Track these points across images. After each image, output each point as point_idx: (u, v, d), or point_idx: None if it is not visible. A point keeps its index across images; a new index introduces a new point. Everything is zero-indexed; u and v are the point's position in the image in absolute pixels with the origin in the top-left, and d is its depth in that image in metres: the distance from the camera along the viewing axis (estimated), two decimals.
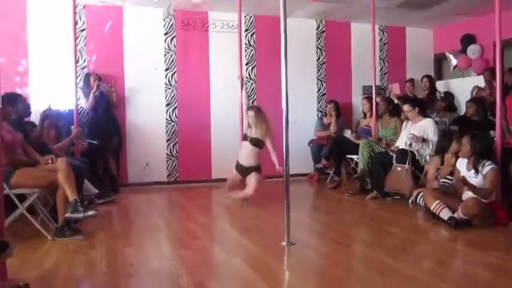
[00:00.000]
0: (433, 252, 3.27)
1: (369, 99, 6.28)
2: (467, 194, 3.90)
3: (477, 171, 3.92)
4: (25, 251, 3.18)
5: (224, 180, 6.39)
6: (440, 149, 4.60)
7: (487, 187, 3.87)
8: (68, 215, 3.51)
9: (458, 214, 3.80)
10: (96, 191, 4.82)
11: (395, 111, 5.76)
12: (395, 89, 7.08)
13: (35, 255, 3.16)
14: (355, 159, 5.93)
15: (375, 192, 5.22)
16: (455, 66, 7.08)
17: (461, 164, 4.11)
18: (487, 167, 3.89)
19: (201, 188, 6.31)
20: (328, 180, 6.28)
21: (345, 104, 7.27)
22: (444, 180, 4.40)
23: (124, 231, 3.94)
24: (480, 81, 6.40)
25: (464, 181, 3.81)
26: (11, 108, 3.94)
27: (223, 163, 6.45)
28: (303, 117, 6.90)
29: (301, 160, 6.64)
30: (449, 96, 6.48)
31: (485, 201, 3.81)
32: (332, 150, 6.18)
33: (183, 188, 6.25)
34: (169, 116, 6.49)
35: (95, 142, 5.48)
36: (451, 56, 7.13)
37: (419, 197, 4.55)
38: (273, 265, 2.97)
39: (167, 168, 6.49)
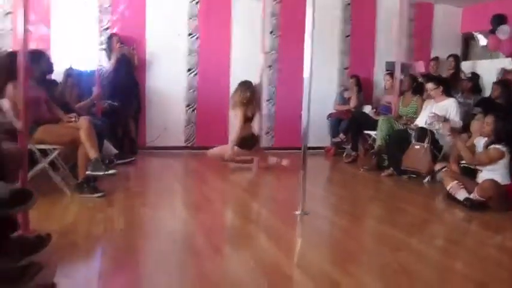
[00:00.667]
0: (446, 231, 3.28)
1: (392, 75, 6.18)
2: (483, 176, 3.87)
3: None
4: (45, 206, 3.26)
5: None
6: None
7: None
8: (89, 172, 3.58)
9: (475, 195, 3.79)
10: (116, 151, 4.88)
11: (418, 89, 5.67)
12: (419, 67, 6.95)
13: (55, 210, 3.24)
14: (373, 135, 5.88)
15: (391, 169, 5.20)
16: (483, 47, 6.91)
17: (479, 142, 4.07)
18: (495, 146, 3.82)
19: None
20: (344, 155, 6.27)
21: (367, 80, 7.16)
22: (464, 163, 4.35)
23: (141, 191, 4.01)
24: (508, 63, 6.24)
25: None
26: (35, 65, 3.98)
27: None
28: (323, 89, 6.82)
29: (318, 133, 6.62)
30: (475, 77, 6.35)
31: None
32: (351, 124, 6.14)
33: (200, 154, 6.31)
34: (190, 82, 6.49)
35: (115, 104, 5.53)
36: (480, 36, 6.94)
37: (439, 172, 4.51)
38: (286, 233, 3.01)
39: (185, 133, 6.53)
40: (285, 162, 5.13)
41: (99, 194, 3.63)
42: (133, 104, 6.02)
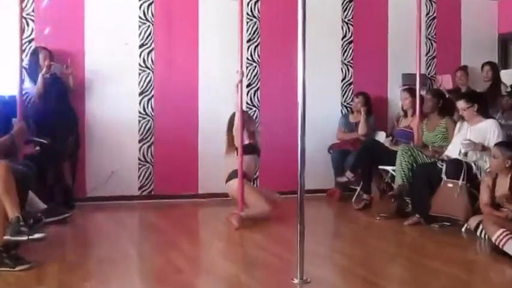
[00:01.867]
0: None
1: (411, 91, 6.28)
2: None
3: None
4: None
5: (215, 196, 6.47)
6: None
7: None
8: (7, 237, 3.51)
9: None
10: (45, 206, 4.82)
11: (446, 108, 5.76)
12: (446, 82, 7.08)
13: None
14: (391, 171, 5.92)
15: (417, 216, 5.22)
16: None
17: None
18: None
19: (184, 205, 6.32)
20: (354, 199, 6.27)
21: (379, 98, 7.26)
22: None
23: (82, 261, 3.94)
24: None
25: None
26: None
27: (214, 174, 6.45)
28: (322, 114, 6.85)
29: (318, 171, 6.62)
30: None
31: None
32: (360, 158, 6.16)
33: (161, 205, 6.25)
34: (144, 109, 6.50)
35: (44, 141, 5.48)
36: None
37: (479, 230, 4.58)
38: None
39: (139, 178, 6.48)
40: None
41: (23, 267, 3.56)
42: (69, 140, 5.98)
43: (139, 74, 6.48)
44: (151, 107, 6.51)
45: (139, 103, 6.48)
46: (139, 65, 6.48)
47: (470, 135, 5.08)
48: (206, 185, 6.59)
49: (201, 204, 6.39)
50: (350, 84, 7.26)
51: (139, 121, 6.49)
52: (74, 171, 6.12)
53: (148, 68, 6.51)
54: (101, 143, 6.33)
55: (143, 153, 6.50)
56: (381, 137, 6.70)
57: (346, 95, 7.25)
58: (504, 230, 3.99)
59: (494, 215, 4.35)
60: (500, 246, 3.98)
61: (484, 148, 4.98)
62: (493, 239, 4.03)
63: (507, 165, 4.48)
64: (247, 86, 6.73)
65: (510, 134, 5.75)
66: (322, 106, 6.94)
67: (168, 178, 6.51)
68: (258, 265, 3.97)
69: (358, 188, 6.31)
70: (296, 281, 3.36)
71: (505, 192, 4.43)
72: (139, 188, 6.50)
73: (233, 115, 5.37)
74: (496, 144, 4.71)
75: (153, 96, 6.51)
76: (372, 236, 5.00)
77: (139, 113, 6.49)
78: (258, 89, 6.85)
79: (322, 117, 6.90)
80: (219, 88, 6.48)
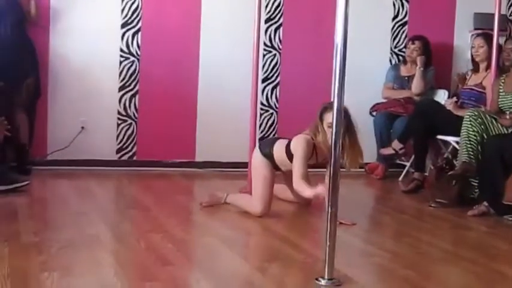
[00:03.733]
0: None
1: (486, 38, 6.21)
2: None
3: None
4: None
5: (216, 165, 6.49)
6: None
7: None
8: None
9: None
10: None
11: None
12: None
13: None
14: (454, 143, 5.91)
15: (485, 204, 5.20)
16: None
17: None
18: None
19: (175, 176, 6.35)
20: (401, 178, 6.28)
21: (441, 45, 7.25)
22: None
23: (41, 243, 3.95)
24: None
25: None
26: None
27: (216, 137, 6.46)
28: (364, 63, 6.87)
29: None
30: None
31: None
32: (413, 125, 6.18)
33: (145, 175, 6.28)
34: (127, 46, 6.48)
35: None
36: None
37: None
38: None
39: (118, 138, 6.52)
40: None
41: None
42: (26, 84, 5.99)
43: (122, 0, 6.46)
44: (138, 44, 6.51)
45: (122, 38, 6.48)
46: None
47: None
48: (206, 151, 6.64)
49: (198, 176, 6.41)
50: (404, 24, 7.26)
51: (121, 62, 6.50)
52: (32, 126, 6.14)
53: None
54: (69, 89, 6.36)
55: (124, 106, 6.53)
56: (442, 97, 6.70)
57: (397, 39, 7.26)
58: None
59: None
60: None
61: None
62: None
63: None
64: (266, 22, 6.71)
65: None
66: (364, 53, 6.95)
67: (156, 139, 6.55)
68: (273, 260, 3.96)
69: (408, 164, 6.31)
70: (322, 281, 3.34)
71: None
72: (118, 151, 6.54)
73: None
74: None
75: (140, 29, 6.50)
76: (423, 228, 5.00)
77: (121, 51, 6.50)
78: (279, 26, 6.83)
79: (364, 68, 6.92)
80: (227, 29, 6.48)
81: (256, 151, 5.06)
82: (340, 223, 4.23)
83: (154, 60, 6.54)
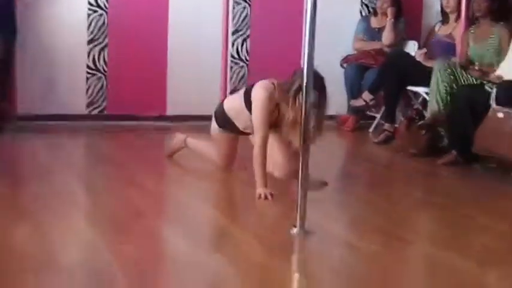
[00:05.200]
0: None
1: None
2: None
3: None
4: None
5: (189, 119, 6.48)
6: None
7: None
8: None
9: None
10: None
11: (503, 12, 5.71)
12: None
13: None
14: (424, 94, 5.97)
15: (455, 153, 5.27)
16: None
17: None
18: None
19: (147, 130, 6.36)
20: (372, 129, 6.33)
21: None
22: None
23: (12, 199, 3.94)
24: None
25: None
26: None
27: (187, 89, 6.44)
28: (333, 15, 6.82)
29: (327, 92, 6.64)
30: None
31: None
32: (383, 76, 6.21)
33: (115, 129, 6.28)
34: None
35: None
36: None
37: None
38: (274, 267, 3.02)
39: (88, 92, 6.48)
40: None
41: None
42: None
43: None
44: None
45: None
46: None
47: None
48: (177, 105, 6.63)
49: (170, 130, 6.38)
50: None
51: (89, 15, 6.43)
52: (6, 81, 6.05)
53: None
54: (36, 43, 6.28)
55: (93, 59, 6.48)
56: (412, 48, 6.71)
57: None
58: None
59: None
60: None
61: None
62: None
63: None
64: None
65: None
66: (335, 5, 6.87)
67: (126, 93, 6.51)
68: (247, 210, 4.02)
69: (379, 116, 6.35)
70: (295, 230, 3.38)
71: None
72: (88, 106, 6.51)
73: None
74: None
75: None
76: (395, 178, 5.07)
77: (89, 4, 6.42)
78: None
79: (334, 20, 6.86)
80: None
81: (213, 122, 4.65)
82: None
83: (123, 12, 6.46)
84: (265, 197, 3.99)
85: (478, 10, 5.73)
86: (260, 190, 4.03)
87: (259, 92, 4.20)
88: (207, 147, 4.84)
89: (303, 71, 3.47)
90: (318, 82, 3.90)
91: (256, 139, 4.13)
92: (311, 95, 3.44)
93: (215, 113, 4.62)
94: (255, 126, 4.15)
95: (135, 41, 6.49)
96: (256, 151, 4.08)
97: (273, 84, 4.22)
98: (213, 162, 4.72)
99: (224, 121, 4.50)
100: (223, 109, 4.51)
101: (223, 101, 4.75)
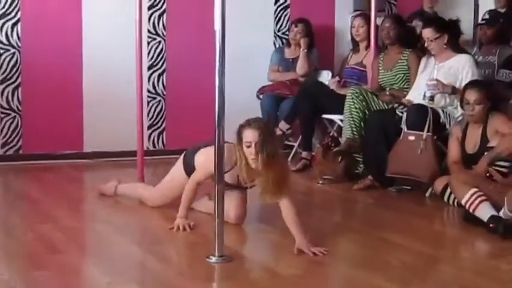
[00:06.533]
0: (462, 276, 3.44)
1: (366, 18, 6.37)
2: None
3: None
4: None
5: (106, 155, 6.45)
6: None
7: None
8: None
9: (505, 212, 4.01)
10: None
11: (410, 39, 5.86)
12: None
13: None
14: (338, 121, 6.04)
15: (370, 178, 5.38)
16: None
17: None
18: None
19: (64, 167, 6.28)
20: (290, 158, 6.38)
21: (323, 27, 7.35)
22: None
23: None
24: None
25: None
26: None
27: (104, 125, 6.42)
28: (248, 46, 6.92)
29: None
30: (498, 17, 6.58)
31: None
32: (299, 105, 6.26)
33: (33, 168, 6.18)
34: (7, 37, 6.34)
35: None
36: None
37: (446, 194, 4.77)
38: None
39: (2, 132, 6.35)
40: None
41: None
42: None
43: None
44: (18, 35, 6.35)
45: (0, 30, 6.31)
46: None
47: (438, 74, 5.19)
48: (94, 141, 6.57)
49: (87, 166, 6.34)
50: (286, 8, 7.32)
51: (1, 54, 6.33)
52: None
53: None
54: None
55: (7, 99, 6.37)
56: (326, 77, 6.82)
57: (281, 22, 7.32)
58: (477, 190, 4.16)
59: (464, 173, 4.58)
60: (471, 210, 4.16)
61: (454, 91, 5.13)
62: (463, 202, 4.20)
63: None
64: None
65: (488, 73, 5.94)
66: (248, 36, 6.96)
67: (42, 132, 6.40)
68: (165, 242, 4.00)
69: (296, 144, 6.42)
70: (214, 259, 3.42)
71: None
72: (3, 146, 6.38)
73: None
74: (469, 84, 4.87)
75: (19, 20, 6.35)
76: (313, 204, 5.12)
77: (1, 43, 6.32)
78: (163, 13, 6.83)
79: (249, 52, 6.96)
80: (110, 16, 6.45)
81: (179, 163, 4.47)
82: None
83: (36, 50, 6.37)
84: (184, 228, 4.02)
85: (387, 38, 5.86)
86: (179, 221, 4.07)
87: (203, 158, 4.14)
88: (138, 188, 4.93)
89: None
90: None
91: (195, 178, 4.14)
92: (222, 125, 3.47)
93: (187, 151, 4.47)
94: (198, 170, 4.16)
95: (50, 78, 6.39)
96: (191, 187, 4.13)
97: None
98: (147, 196, 4.69)
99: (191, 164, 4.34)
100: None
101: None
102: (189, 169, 4.29)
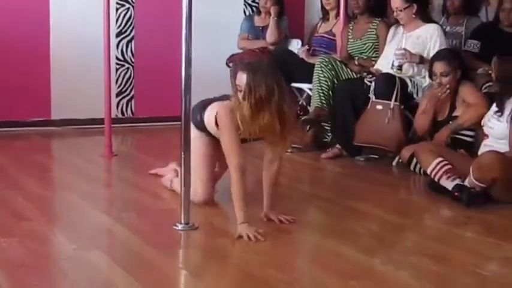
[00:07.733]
0: (427, 244, 3.49)
1: None
2: (487, 147, 4.18)
3: (501, 113, 4.19)
4: None
5: (74, 123, 6.41)
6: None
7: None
8: None
9: (470, 180, 4.06)
10: None
11: (379, 8, 5.85)
12: None
13: None
14: (307, 90, 6.07)
15: (338, 146, 5.43)
16: None
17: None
18: None
19: (31, 135, 6.25)
20: None
21: None
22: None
23: None
24: None
25: None
26: None
27: (73, 93, 6.37)
28: (217, 14, 6.92)
29: (209, 90, 6.62)
30: None
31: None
32: None
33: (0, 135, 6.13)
34: None
35: None
36: None
37: (413, 162, 4.81)
38: (159, 263, 3.06)
39: None
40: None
41: None
42: None
43: None
44: None
45: None
46: None
47: (406, 43, 5.22)
48: (62, 108, 6.54)
49: (55, 134, 6.31)
50: None
51: None
52: None
53: None
54: None
55: None
56: (296, 46, 6.82)
57: None
58: (442, 159, 4.22)
59: (429, 143, 4.64)
60: (436, 179, 4.21)
61: (422, 60, 5.17)
62: (428, 171, 4.26)
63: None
64: None
65: (455, 43, 5.98)
66: (218, 4, 6.97)
67: (9, 99, 6.34)
68: (133, 209, 4.01)
69: None
70: (180, 226, 3.45)
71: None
72: None
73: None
74: (436, 56, 4.89)
75: None
76: (281, 172, 5.09)
77: None
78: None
79: (219, 19, 6.96)
80: None
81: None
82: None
83: (2, 18, 6.30)
84: (256, 238, 3.33)
85: (356, 7, 5.85)
86: (244, 229, 3.39)
87: (221, 112, 3.65)
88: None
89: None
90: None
91: (232, 164, 3.61)
92: (189, 92, 3.46)
93: (194, 107, 3.84)
94: (228, 147, 3.64)
95: (17, 45, 6.34)
96: (236, 174, 3.59)
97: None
98: (194, 198, 3.77)
99: (198, 120, 3.91)
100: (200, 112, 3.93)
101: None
102: (199, 124, 3.88)
